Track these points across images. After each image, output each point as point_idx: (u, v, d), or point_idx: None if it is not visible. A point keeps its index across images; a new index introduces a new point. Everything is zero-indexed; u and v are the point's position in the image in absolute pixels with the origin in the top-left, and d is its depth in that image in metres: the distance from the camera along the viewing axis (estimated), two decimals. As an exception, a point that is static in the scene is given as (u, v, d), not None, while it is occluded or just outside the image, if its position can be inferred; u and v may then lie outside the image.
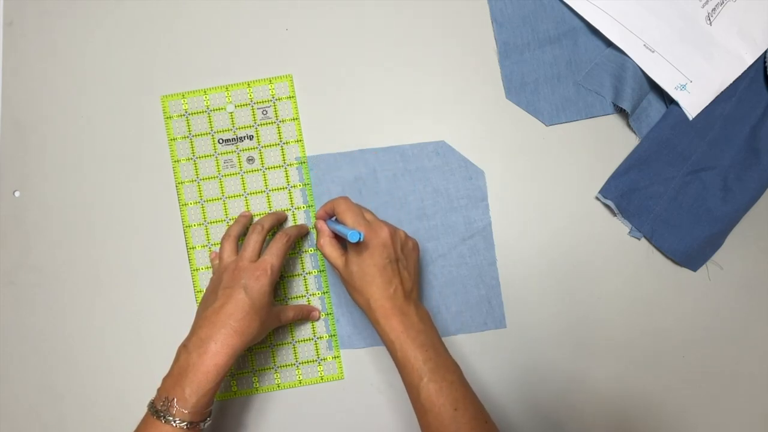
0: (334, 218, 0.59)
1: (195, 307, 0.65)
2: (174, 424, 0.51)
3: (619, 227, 0.66)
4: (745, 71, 0.66)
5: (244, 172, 0.66)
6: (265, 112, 0.66)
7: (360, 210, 0.56)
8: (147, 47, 0.67)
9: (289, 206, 0.66)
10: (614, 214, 0.66)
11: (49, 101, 0.66)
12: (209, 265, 0.65)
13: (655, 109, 0.67)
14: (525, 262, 0.66)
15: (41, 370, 0.65)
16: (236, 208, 0.66)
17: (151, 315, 0.65)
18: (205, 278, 0.65)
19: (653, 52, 0.65)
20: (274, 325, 0.60)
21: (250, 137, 0.66)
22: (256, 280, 0.55)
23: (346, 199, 0.58)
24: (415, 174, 0.66)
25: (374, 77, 0.67)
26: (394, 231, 0.56)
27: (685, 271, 0.66)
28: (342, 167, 0.66)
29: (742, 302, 0.66)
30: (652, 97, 0.67)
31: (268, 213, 0.64)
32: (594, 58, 0.67)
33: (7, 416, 0.64)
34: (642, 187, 0.65)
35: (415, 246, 0.59)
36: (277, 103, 0.66)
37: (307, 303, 0.65)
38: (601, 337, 0.65)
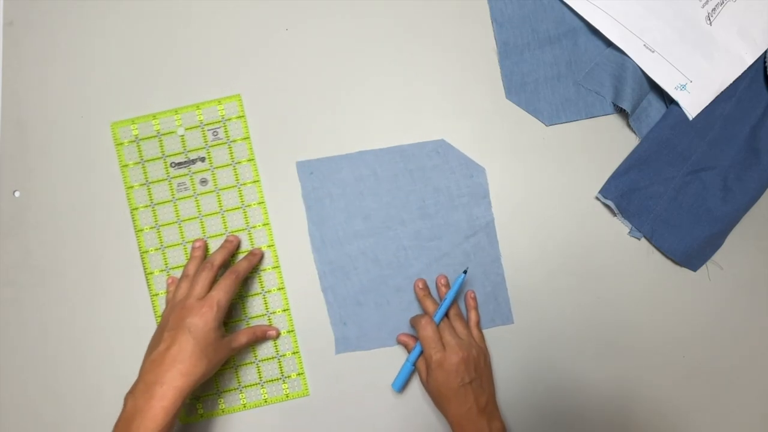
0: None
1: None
2: None
3: (619, 227, 0.66)
4: (745, 71, 0.66)
5: (198, 195, 0.65)
6: (215, 133, 0.65)
7: (438, 335, 0.59)
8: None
9: (245, 226, 0.65)
10: (614, 214, 0.66)
11: (49, 101, 0.66)
12: (168, 289, 0.65)
13: (655, 109, 0.67)
14: (525, 263, 0.66)
15: (41, 370, 0.65)
16: (192, 231, 0.65)
17: (152, 314, 0.65)
18: (164, 303, 0.65)
19: (653, 52, 0.65)
20: (226, 357, 0.59)
21: (202, 159, 0.65)
22: (201, 317, 0.56)
23: (429, 322, 0.60)
24: (415, 173, 0.66)
25: (374, 78, 0.67)
26: (467, 355, 0.59)
27: (685, 271, 0.66)
28: (342, 169, 0.66)
29: (742, 302, 0.66)
30: (652, 97, 0.67)
31: (219, 248, 0.63)
32: (594, 58, 0.67)
33: (7, 416, 0.64)
34: (642, 187, 0.65)
35: (487, 360, 0.62)
36: (227, 123, 0.66)
37: (267, 322, 0.65)
38: (601, 337, 0.65)
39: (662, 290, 0.66)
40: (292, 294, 0.65)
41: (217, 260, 0.61)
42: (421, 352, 0.61)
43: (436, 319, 0.61)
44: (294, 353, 0.65)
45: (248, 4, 0.67)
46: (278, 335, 0.65)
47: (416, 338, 0.62)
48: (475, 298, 0.65)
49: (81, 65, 0.67)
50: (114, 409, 0.64)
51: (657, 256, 0.66)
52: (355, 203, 0.65)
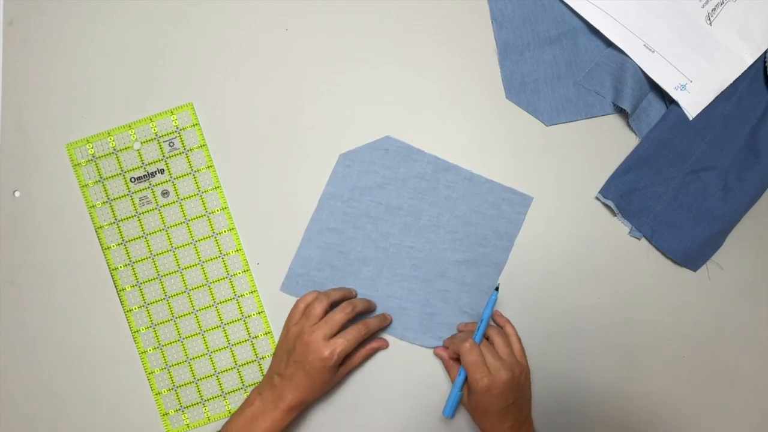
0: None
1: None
2: None
3: (619, 227, 0.66)
4: (745, 71, 0.66)
5: (160, 207, 0.65)
6: (171, 144, 0.65)
7: (483, 358, 0.58)
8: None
9: (211, 233, 0.65)
10: (614, 214, 0.66)
11: (49, 101, 0.66)
12: (141, 304, 0.65)
13: (655, 109, 0.67)
14: (524, 263, 0.66)
15: (41, 370, 0.65)
16: (159, 244, 0.65)
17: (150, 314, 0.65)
18: (140, 317, 0.65)
19: (653, 52, 0.65)
20: (340, 379, 0.63)
21: (161, 171, 0.65)
22: (321, 362, 0.58)
23: (473, 346, 0.59)
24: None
25: (374, 77, 0.67)
26: (511, 377, 0.58)
27: (685, 271, 0.66)
28: (312, 257, 0.66)
29: (742, 302, 0.66)
30: (652, 97, 0.67)
31: (363, 298, 0.64)
32: (594, 58, 0.67)
33: (7, 416, 0.64)
34: (642, 187, 0.65)
35: (528, 375, 0.62)
36: (182, 132, 0.66)
37: (241, 318, 0.65)
38: (601, 337, 0.65)
39: (662, 290, 0.66)
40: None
41: (359, 307, 0.62)
42: (467, 377, 0.60)
43: (477, 339, 0.60)
44: (273, 355, 0.65)
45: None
46: (387, 346, 0.65)
47: (455, 358, 0.62)
48: (502, 315, 0.64)
49: (81, 65, 0.67)
50: (113, 409, 0.64)
51: (657, 256, 0.66)
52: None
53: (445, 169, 0.66)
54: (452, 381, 0.62)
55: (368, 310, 0.64)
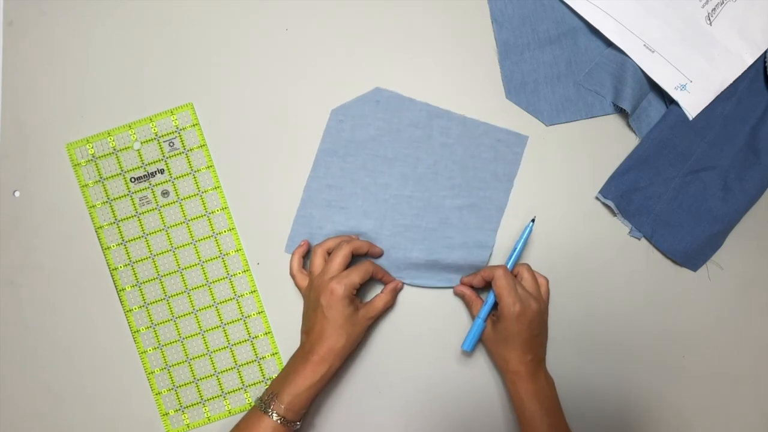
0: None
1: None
2: (271, 416, 0.57)
3: (619, 227, 0.66)
4: (745, 71, 0.66)
5: (160, 207, 0.65)
6: (171, 144, 0.66)
7: (515, 284, 0.59)
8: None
9: (211, 233, 0.65)
10: (614, 214, 0.66)
11: (49, 101, 0.66)
12: (142, 304, 0.65)
13: (655, 109, 0.67)
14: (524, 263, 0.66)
15: (41, 370, 0.65)
16: (159, 244, 0.65)
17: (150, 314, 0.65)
18: (140, 317, 0.65)
19: (653, 52, 0.65)
20: (364, 328, 0.61)
21: (161, 171, 0.66)
22: (331, 295, 0.58)
23: (506, 272, 0.60)
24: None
25: (374, 78, 0.67)
26: (540, 308, 0.60)
27: (685, 271, 0.66)
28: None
29: (742, 302, 0.66)
30: (652, 97, 0.67)
31: (362, 240, 0.64)
32: (594, 58, 0.67)
33: (7, 416, 0.64)
34: (642, 187, 0.65)
35: (547, 316, 0.63)
36: (182, 132, 0.66)
37: (242, 318, 0.65)
38: (601, 337, 0.65)
39: (662, 290, 0.66)
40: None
41: (356, 242, 0.62)
42: (493, 306, 0.61)
43: (509, 267, 0.62)
44: (273, 355, 0.65)
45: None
46: (402, 286, 0.65)
47: (482, 287, 0.63)
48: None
49: (81, 65, 0.67)
50: (113, 409, 0.64)
51: (657, 256, 0.66)
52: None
53: (438, 115, 0.66)
54: (473, 317, 0.62)
55: (371, 252, 0.63)
